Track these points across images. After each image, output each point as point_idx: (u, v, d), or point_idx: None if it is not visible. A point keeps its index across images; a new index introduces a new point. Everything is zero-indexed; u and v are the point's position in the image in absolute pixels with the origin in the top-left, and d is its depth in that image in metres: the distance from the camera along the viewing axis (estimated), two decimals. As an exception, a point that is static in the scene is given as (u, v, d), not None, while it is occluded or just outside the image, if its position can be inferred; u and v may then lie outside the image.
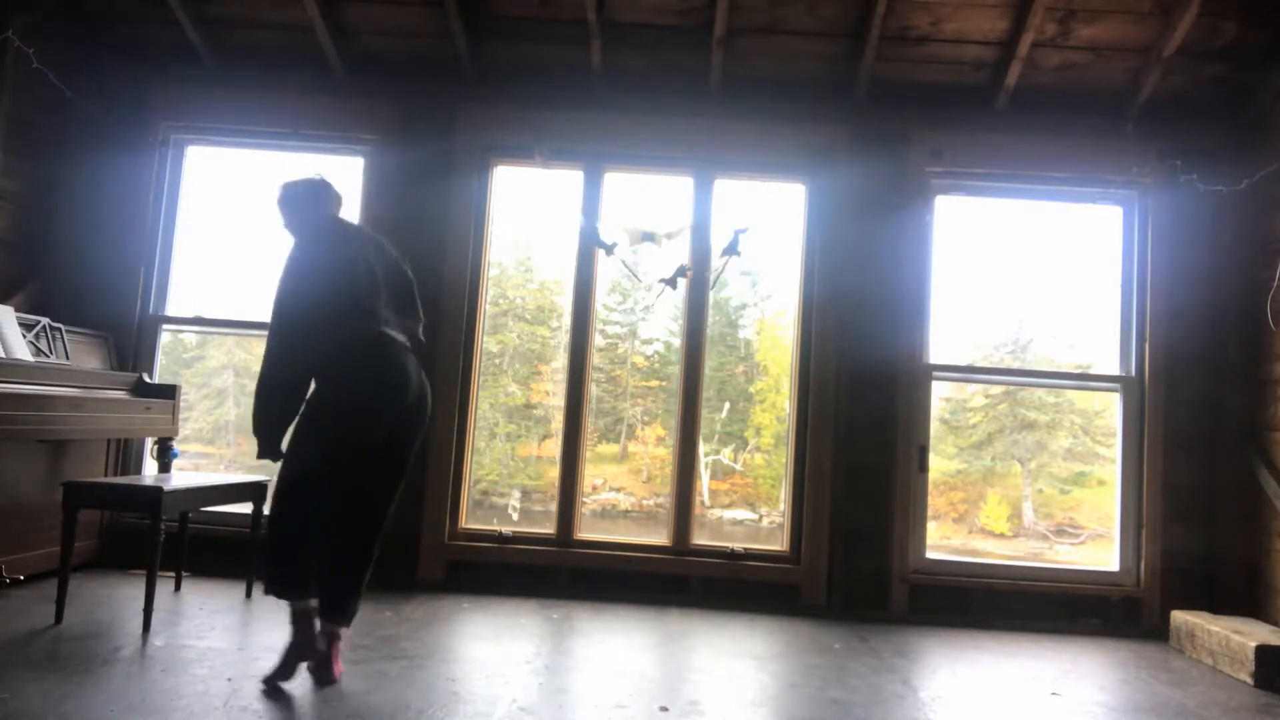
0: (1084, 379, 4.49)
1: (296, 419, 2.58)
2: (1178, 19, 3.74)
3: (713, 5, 3.87)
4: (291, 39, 4.15)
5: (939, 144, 4.16)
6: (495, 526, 4.17)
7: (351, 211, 4.25)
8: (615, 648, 3.20)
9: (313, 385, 2.59)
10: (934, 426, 4.18)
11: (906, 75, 4.14)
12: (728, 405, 4.97)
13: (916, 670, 3.15)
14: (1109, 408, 4.72)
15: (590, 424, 4.31)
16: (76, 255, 4.15)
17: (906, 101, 4.19)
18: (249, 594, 3.57)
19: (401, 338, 2.68)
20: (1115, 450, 4.17)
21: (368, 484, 2.64)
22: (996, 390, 5.47)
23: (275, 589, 2.54)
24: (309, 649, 2.54)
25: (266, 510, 3.67)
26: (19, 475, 3.39)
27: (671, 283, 4.20)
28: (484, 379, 4.42)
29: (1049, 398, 5.49)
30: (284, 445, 2.61)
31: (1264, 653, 3.15)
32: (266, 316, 4.44)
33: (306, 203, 2.78)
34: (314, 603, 2.56)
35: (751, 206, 4.37)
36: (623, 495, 5.01)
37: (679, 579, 4.02)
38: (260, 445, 2.59)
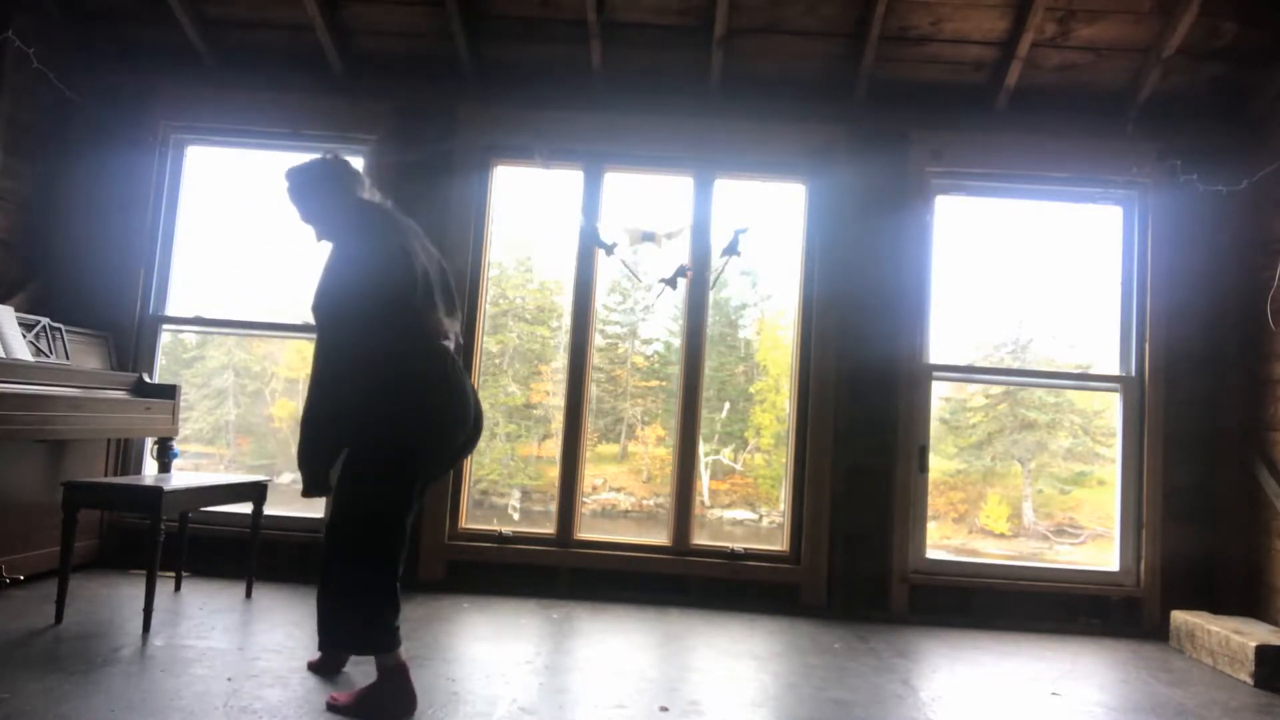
0: (1084, 379, 4.49)
1: (347, 453, 2.34)
2: (1178, 19, 3.74)
3: (713, 5, 3.87)
4: (291, 39, 4.15)
5: (939, 144, 4.16)
6: (495, 526, 4.17)
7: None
8: (615, 648, 3.19)
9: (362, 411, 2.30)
10: (934, 426, 4.18)
11: (906, 75, 4.14)
12: (728, 405, 4.96)
13: (916, 670, 3.15)
14: (1109, 408, 4.71)
15: (590, 424, 4.31)
16: (76, 255, 4.15)
17: (906, 101, 4.19)
18: (249, 594, 3.57)
19: (452, 349, 2.45)
20: (1115, 450, 4.17)
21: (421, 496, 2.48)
22: (996, 390, 5.47)
23: (385, 644, 2.28)
24: (412, 699, 2.31)
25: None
26: (19, 475, 3.39)
27: (671, 283, 4.20)
28: (484, 379, 4.42)
29: (1049, 398, 5.49)
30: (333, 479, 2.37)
31: (1264, 653, 3.16)
32: (269, 317, 4.51)
33: (329, 187, 2.49)
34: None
35: (751, 206, 4.37)
36: (623, 495, 5.01)
37: (679, 579, 4.02)
38: (309, 481, 2.31)
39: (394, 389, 2.29)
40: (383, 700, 2.30)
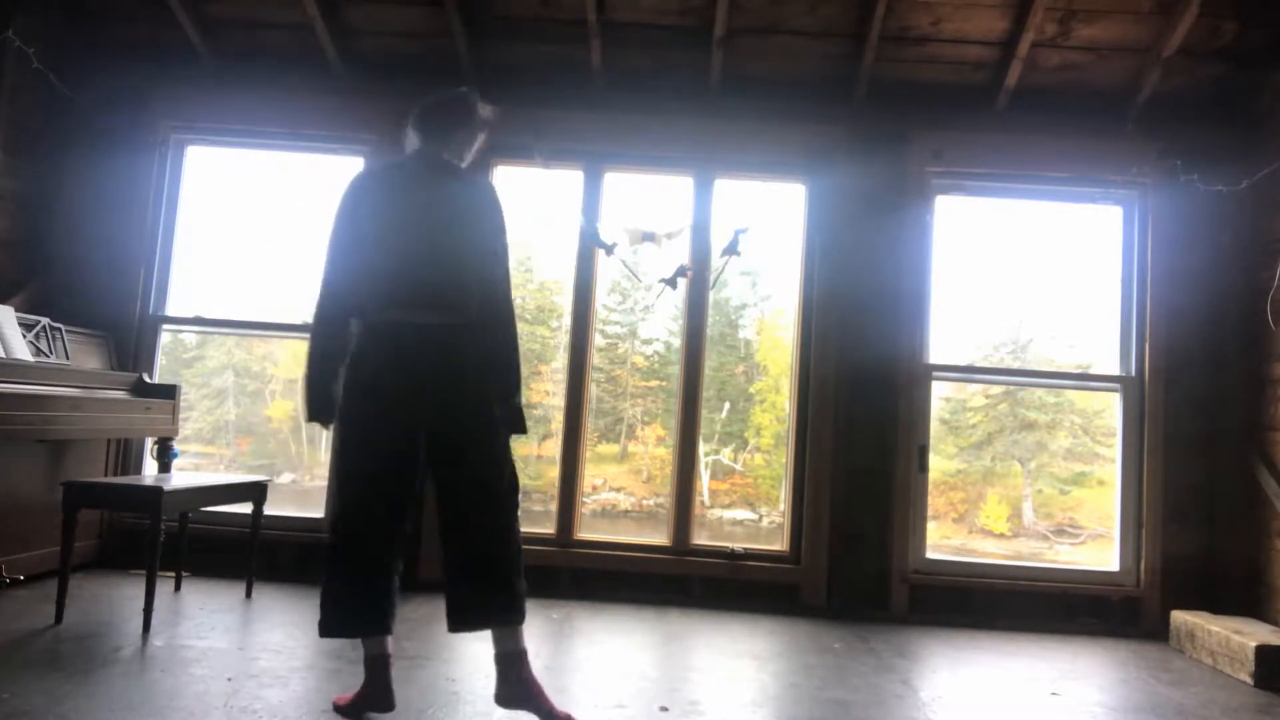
0: (1084, 379, 4.50)
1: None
2: (1178, 19, 3.74)
3: (713, 5, 3.87)
4: (291, 39, 4.15)
5: (939, 144, 4.16)
6: (495, 526, 4.16)
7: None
8: (615, 648, 3.19)
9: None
10: (934, 426, 4.18)
11: (906, 75, 4.13)
12: (728, 405, 4.97)
13: (916, 670, 3.15)
14: (1109, 408, 4.72)
15: (590, 424, 4.30)
16: (76, 255, 4.15)
17: (906, 101, 4.19)
18: (249, 594, 3.57)
19: (421, 320, 2.26)
20: (1115, 450, 4.17)
21: (451, 484, 2.29)
22: (996, 390, 5.48)
23: (326, 626, 2.27)
24: (382, 698, 2.27)
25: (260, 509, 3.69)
26: (19, 475, 3.39)
27: (671, 283, 4.20)
28: (484, 379, 4.41)
29: (1049, 398, 5.50)
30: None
31: (1264, 653, 3.15)
32: (268, 317, 4.52)
33: (423, 120, 2.57)
34: (388, 644, 2.30)
35: (751, 206, 4.38)
36: (623, 495, 5.02)
37: (679, 579, 4.02)
38: (307, 405, 2.30)
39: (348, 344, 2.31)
40: (360, 698, 2.29)
